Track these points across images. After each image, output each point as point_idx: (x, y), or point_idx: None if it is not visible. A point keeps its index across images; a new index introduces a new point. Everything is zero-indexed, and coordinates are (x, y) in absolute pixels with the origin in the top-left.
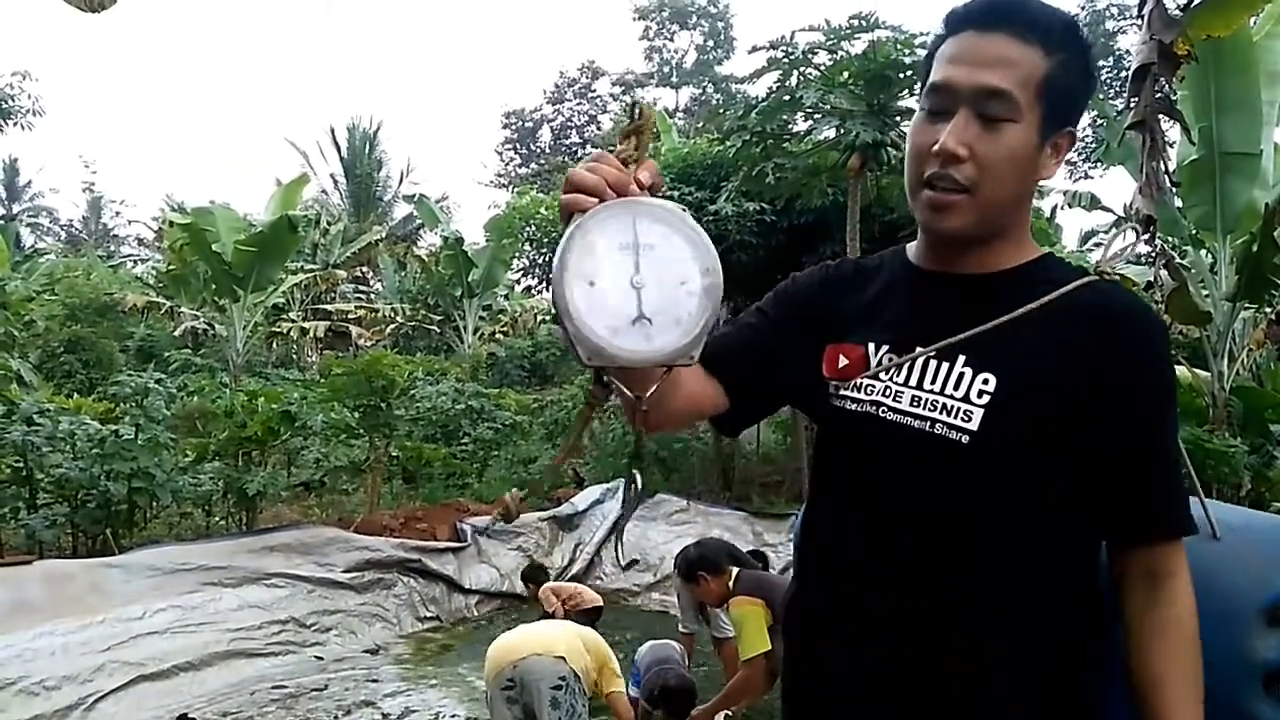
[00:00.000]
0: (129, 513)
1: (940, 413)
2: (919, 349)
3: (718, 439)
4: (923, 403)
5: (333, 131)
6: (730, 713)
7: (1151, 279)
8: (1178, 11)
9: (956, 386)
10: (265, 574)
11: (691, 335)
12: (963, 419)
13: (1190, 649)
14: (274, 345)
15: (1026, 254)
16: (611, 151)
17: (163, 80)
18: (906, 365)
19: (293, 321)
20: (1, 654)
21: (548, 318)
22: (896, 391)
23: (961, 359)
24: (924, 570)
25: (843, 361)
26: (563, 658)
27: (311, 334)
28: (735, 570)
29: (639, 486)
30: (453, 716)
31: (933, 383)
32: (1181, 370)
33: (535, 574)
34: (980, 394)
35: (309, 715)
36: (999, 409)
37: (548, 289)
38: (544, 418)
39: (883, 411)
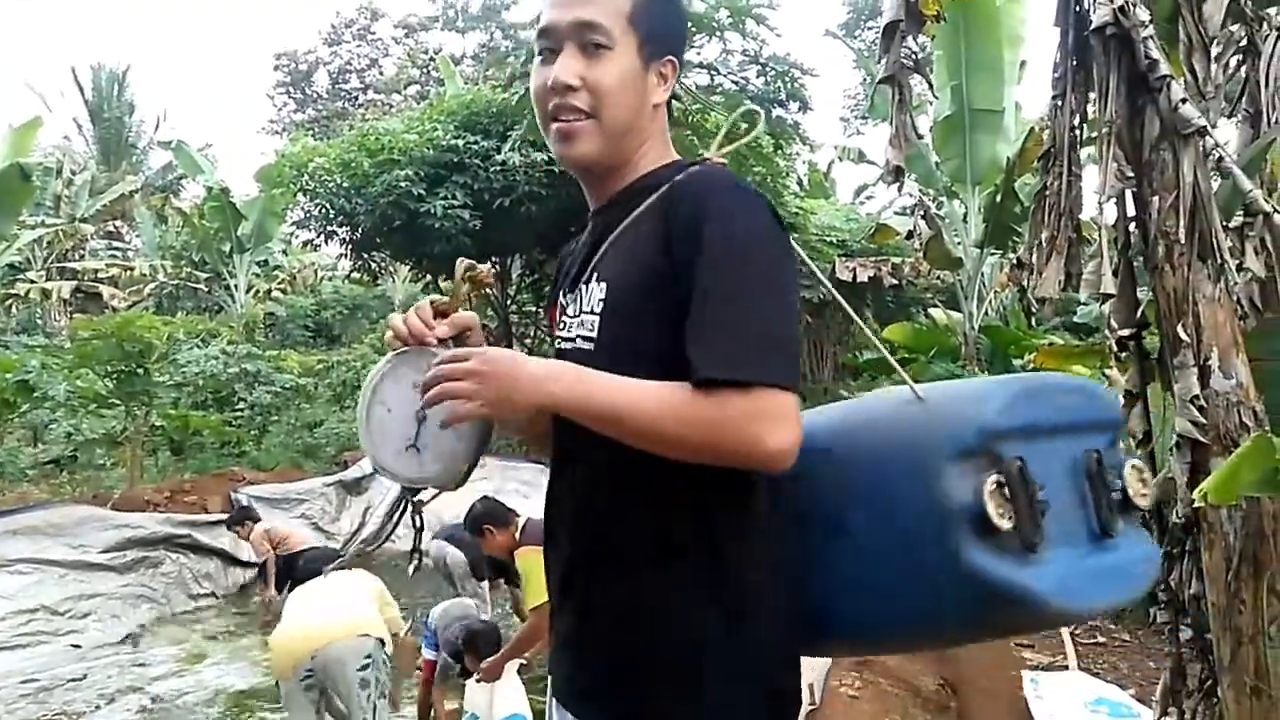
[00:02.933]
0: None
1: (577, 329)
2: (571, 286)
3: None
4: (571, 326)
5: (74, 72)
6: (524, 660)
7: (911, 228)
8: None
9: (588, 303)
10: (7, 560)
11: (456, 469)
12: (589, 330)
13: (658, 395)
14: (12, 310)
15: (645, 166)
16: (444, 292)
17: None
18: (573, 302)
19: (32, 282)
20: None
21: (332, 274)
22: (566, 323)
23: (594, 277)
24: (581, 481)
25: (549, 320)
26: (365, 634)
27: (56, 295)
28: (522, 520)
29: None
30: (236, 691)
31: (581, 308)
32: (937, 313)
33: (243, 515)
34: (599, 303)
35: (66, 708)
36: (608, 311)
37: (328, 243)
38: (330, 379)
39: (559, 344)
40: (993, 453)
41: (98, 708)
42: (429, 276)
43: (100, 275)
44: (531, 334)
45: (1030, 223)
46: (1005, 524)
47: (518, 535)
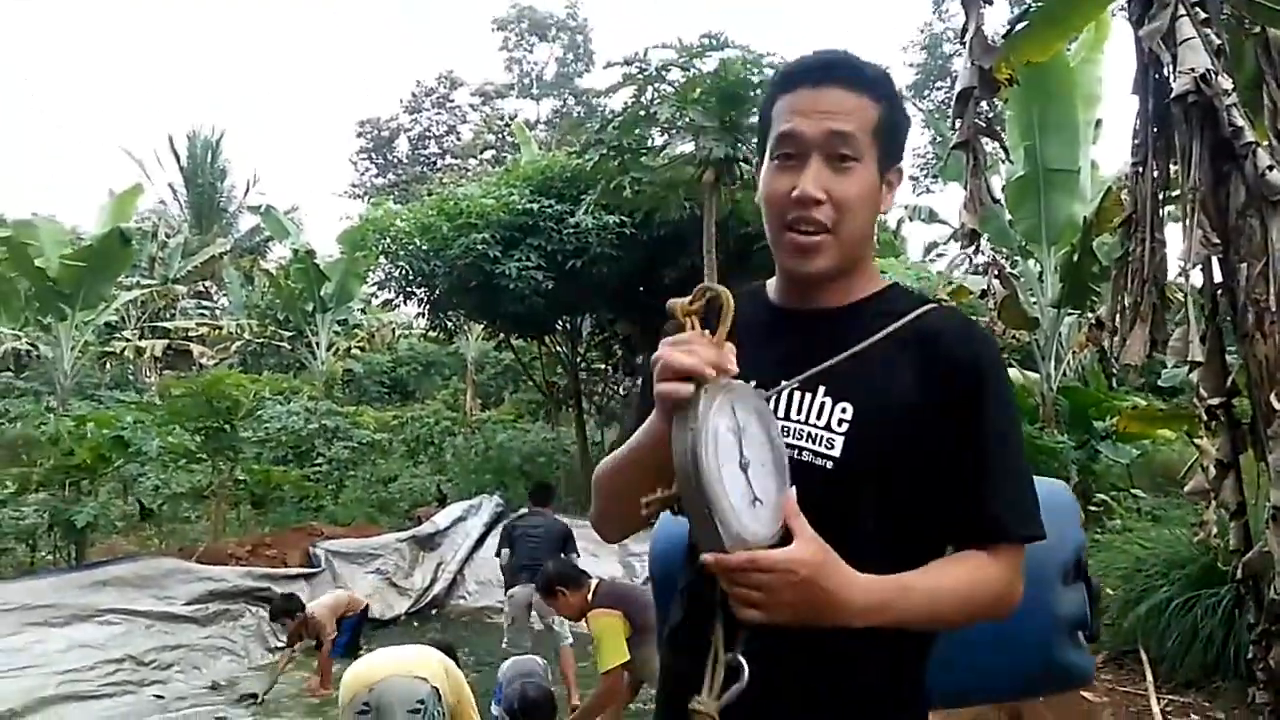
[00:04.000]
0: None
1: (806, 440)
2: (784, 382)
3: (583, 452)
4: (790, 432)
5: (171, 140)
6: None
7: (985, 288)
8: (998, 39)
9: (819, 416)
10: (97, 610)
11: (779, 512)
12: (826, 446)
13: (969, 579)
14: (107, 366)
15: (875, 285)
16: (676, 320)
17: None
18: (773, 399)
19: (127, 340)
20: None
21: (408, 332)
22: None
23: (822, 390)
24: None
25: None
26: (423, 678)
27: (149, 353)
28: (594, 583)
29: None
30: None
31: (799, 413)
32: (1014, 372)
33: (289, 606)
34: (840, 422)
35: None
36: (857, 435)
37: (406, 302)
38: (405, 435)
39: None
40: (1080, 565)
41: None
42: (501, 335)
43: (190, 334)
44: (600, 390)
45: (1112, 287)
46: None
47: (590, 597)
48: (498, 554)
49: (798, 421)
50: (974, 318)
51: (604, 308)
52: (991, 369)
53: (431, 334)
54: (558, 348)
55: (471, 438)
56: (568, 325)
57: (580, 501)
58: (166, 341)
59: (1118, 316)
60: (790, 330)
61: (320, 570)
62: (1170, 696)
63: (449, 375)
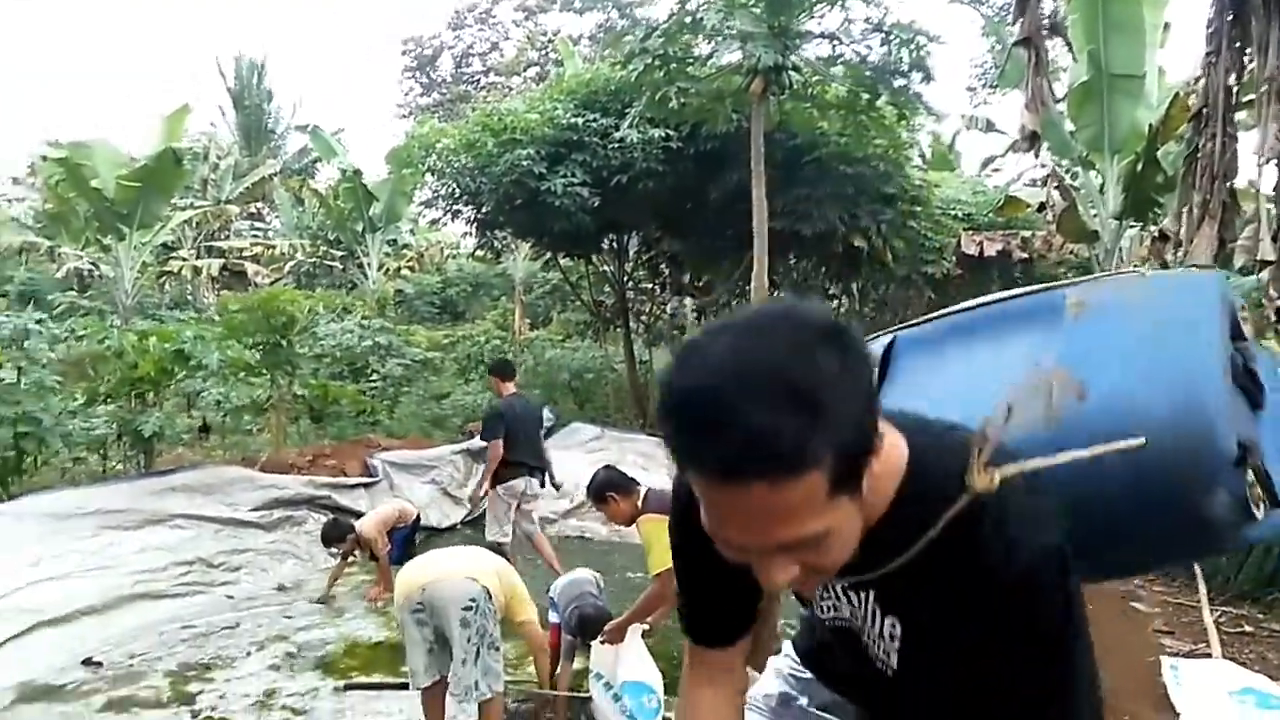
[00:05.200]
0: (17, 460)
1: (871, 642)
2: (836, 581)
3: (631, 369)
4: (855, 623)
5: (218, 62)
6: (647, 625)
7: (1044, 200)
8: None
9: (874, 623)
10: (168, 515)
11: None
12: (885, 654)
13: None
14: (166, 286)
15: (888, 489)
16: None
17: (31, 13)
18: (835, 597)
19: (184, 260)
20: None
21: (456, 252)
22: (830, 608)
23: (871, 594)
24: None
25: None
26: (473, 579)
27: (205, 273)
28: (644, 490)
29: None
30: (371, 643)
31: (858, 609)
32: None
33: (338, 530)
34: (891, 636)
35: (220, 652)
36: (907, 653)
37: (453, 221)
38: (456, 354)
39: (825, 619)
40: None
41: (249, 654)
42: (548, 254)
43: (245, 254)
44: (647, 309)
45: (1179, 188)
46: (1260, 513)
47: (640, 504)
48: (481, 437)
49: (857, 619)
50: (1033, 495)
51: (650, 225)
52: (1030, 603)
53: (479, 254)
54: (604, 267)
55: (520, 355)
56: (614, 243)
57: (627, 417)
58: (222, 261)
59: (1184, 216)
60: None
61: (378, 480)
62: (1224, 608)
63: (497, 296)
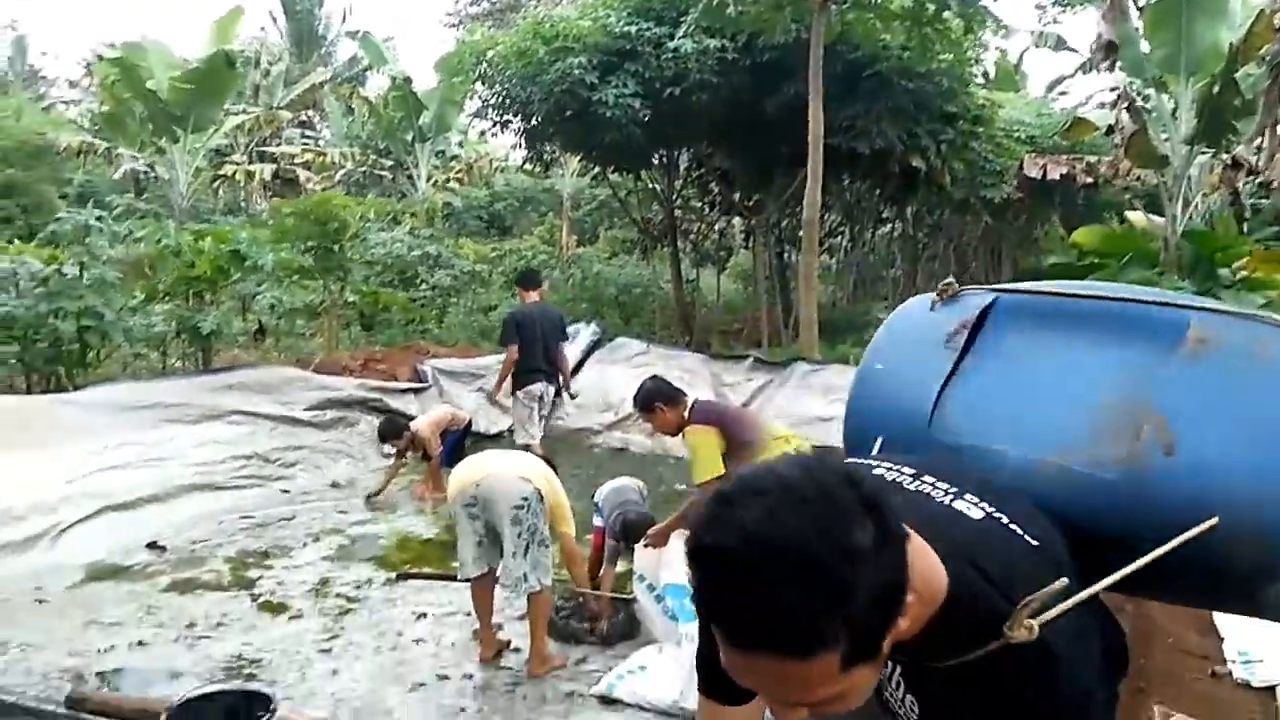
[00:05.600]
0: (80, 352)
1: (887, 693)
2: None
3: (678, 287)
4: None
5: None
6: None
7: (1113, 123)
8: None
9: (895, 686)
10: (226, 411)
11: None
12: (906, 714)
13: None
14: (220, 191)
15: (923, 614)
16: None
17: None
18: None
19: (237, 165)
20: None
21: (504, 164)
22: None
23: (899, 668)
24: None
25: None
26: (526, 479)
27: (258, 178)
28: (690, 400)
29: None
30: (421, 539)
31: (894, 698)
32: (1136, 215)
33: (394, 427)
34: (912, 705)
35: (277, 542)
36: None
37: (502, 132)
38: (503, 267)
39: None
40: None
41: (304, 544)
42: (598, 169)
43: (296, 160)
44: (696, 228)
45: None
46: None
47: (686, 414)
48: (501, 343)
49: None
50: (1076, 640)
51: (702, 140)
52: None
53: (528, 166)
54: (654, 184)
55: (567, 270)
56: (664, 159)
57: (673, 334)
58: (274, 167)
59: (1263, 141)
60: None
61: (428, 386)
62: None
63: (545, 211)
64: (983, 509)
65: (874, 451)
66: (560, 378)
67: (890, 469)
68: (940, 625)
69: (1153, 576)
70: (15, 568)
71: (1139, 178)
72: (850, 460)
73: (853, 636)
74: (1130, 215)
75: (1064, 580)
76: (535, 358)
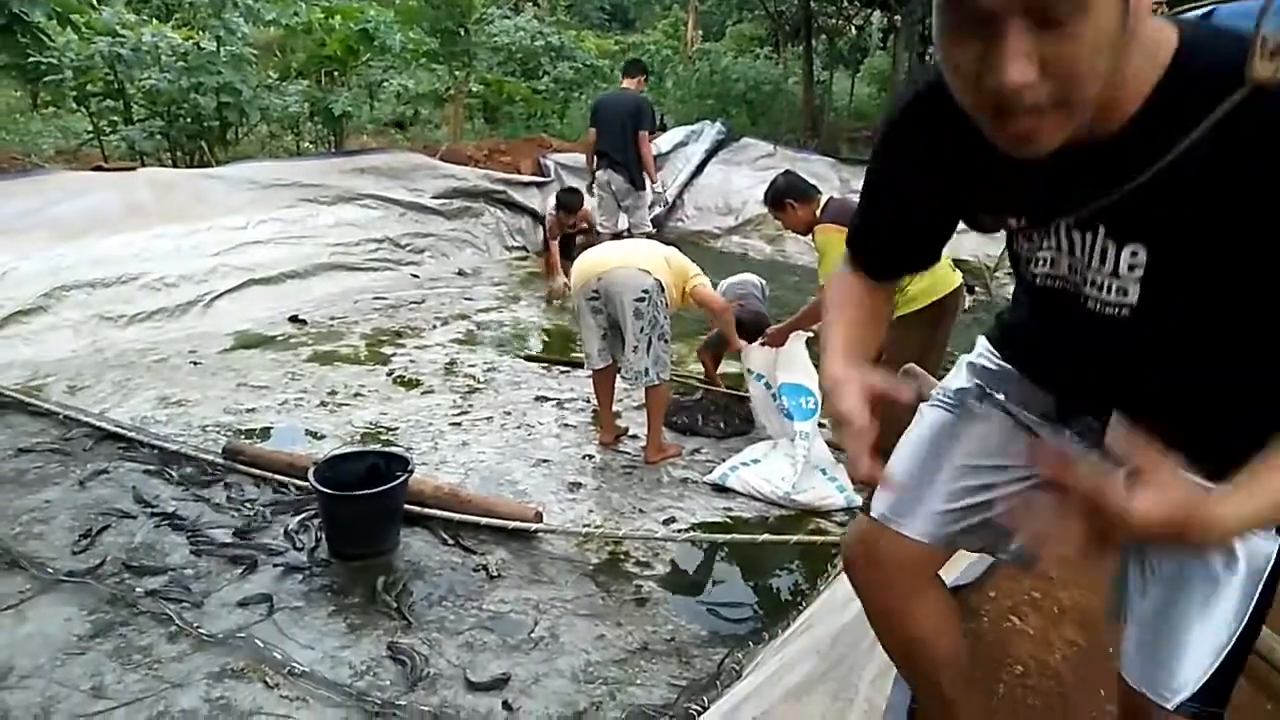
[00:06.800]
0: (221, 129)
1: (1091, 288)
2: (1059, 218)
3: (808, 88)
4: (1073, 273)
5: None
6: (812, 333)
7: None
8: None
9: (1103, 261)
10: (358, 195)
11: None
12: (1119, 294)
13: None
14: None
15: (1148, 78)
16: None
17: None
18: (1058, 240)
19: None
20: (121, 252)
21: None
22: (1043, 260)
23: (1102, 230)
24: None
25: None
26: (647, 271)
27: None
28: (824, 198)
29: None
30: (542, 327)
31: (1080, 254)
32: None
33: (572, 200)
34: (1131, 267)
35: (409, 323)
36: (1154, 279)
37: None
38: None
39: (1037, 278)
40: None
41: (434, 326)
42: None
43: None
44: (833, 22)
45: None
46: None
47: (818, 212)
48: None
49: (1078, 270)
50: None
51: None
52: None
53: None
54: None
55: (691, 66)
56: None
57: (800, 138)
58: None
59: None
60: (1044, 162)
61: (550, 180)
62: None
63: (669, 4)
64: None
65: None
66: (636, 168)
67: None
68: (1164, 96)
69: None
70: (171, 332)
71: None
72: None
73: None
74: None
75: None
76: (602, 142)
